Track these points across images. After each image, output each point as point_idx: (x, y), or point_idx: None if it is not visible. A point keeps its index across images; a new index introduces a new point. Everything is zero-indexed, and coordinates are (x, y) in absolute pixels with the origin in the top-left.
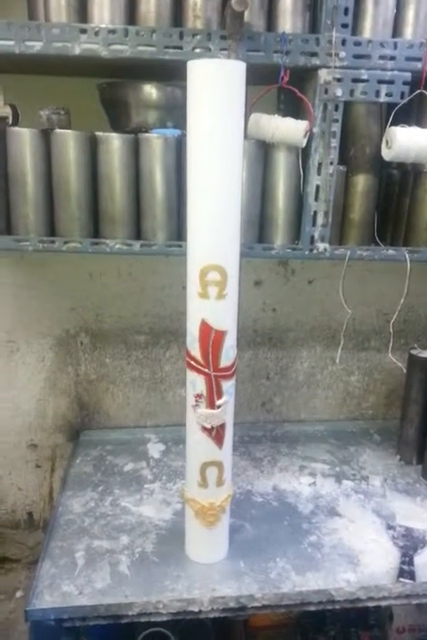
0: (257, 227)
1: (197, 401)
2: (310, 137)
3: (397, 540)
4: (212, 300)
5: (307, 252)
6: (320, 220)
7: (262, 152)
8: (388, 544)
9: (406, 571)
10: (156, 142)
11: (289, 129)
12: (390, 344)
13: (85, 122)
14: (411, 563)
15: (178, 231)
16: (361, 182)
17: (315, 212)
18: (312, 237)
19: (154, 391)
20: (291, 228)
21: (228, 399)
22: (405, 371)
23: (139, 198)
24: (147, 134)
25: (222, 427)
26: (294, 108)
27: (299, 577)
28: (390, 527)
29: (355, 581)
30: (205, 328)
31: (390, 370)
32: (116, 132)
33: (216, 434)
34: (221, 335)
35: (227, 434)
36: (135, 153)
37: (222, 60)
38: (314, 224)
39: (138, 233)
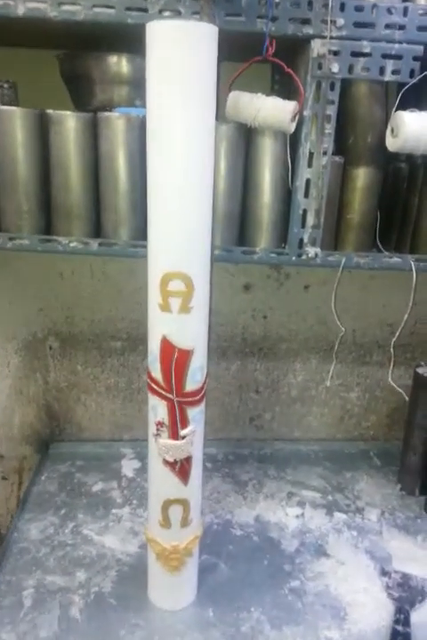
0: (237, 226)
1: (158, 430)
2: (301, 121)
3: (391, 589)
4: (174, 314)
5: (294, 258)
6: (311, 220)
7: (244, 138)
8: (381, 594)
9: (399, 633)
10: (117, 122)
11: (274, 110)
12: (391, 365)
13: (47, 102)
14: (406, 622)
15: (144, 229)
16: (361, 177)
17: (304, 211)
18: (301, 240)
19: (130, 402)
20: (277, 229)
21: (194, 428)
22: (407, 397)
23: (98, 189)
24: (107, 113)
25: (188, 460)
26: (290, 90)
27: (274, 631)
28: (384, 573)
29: None
30: (166, 346)
31: (393, 387)
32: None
33: (181, 468)
34: (185, 355)
35: (194, 468)
36: (94, 135)
37: (188, 22)
38: (303, 225)
39: (98, 229)
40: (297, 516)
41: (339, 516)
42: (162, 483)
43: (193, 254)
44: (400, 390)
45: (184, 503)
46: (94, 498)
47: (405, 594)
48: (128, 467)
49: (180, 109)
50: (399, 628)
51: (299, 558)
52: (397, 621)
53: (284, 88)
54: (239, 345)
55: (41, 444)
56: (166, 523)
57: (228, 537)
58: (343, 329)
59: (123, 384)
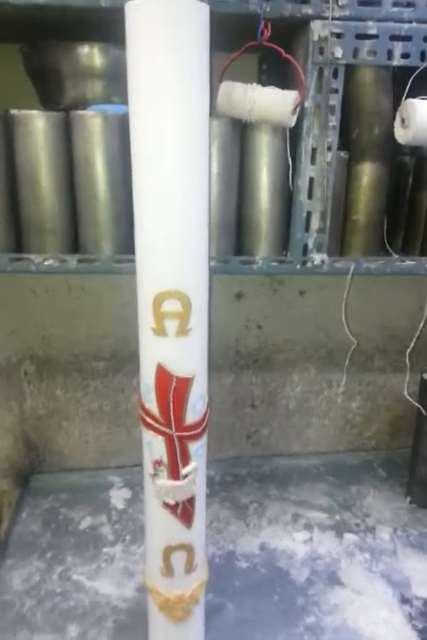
0: (233, 233)
1: (155, 469)
2: (301, 114)
3: (415, 620)
4: (170, 339)
5: (299, 266)
6: (316, 223)
7: (238, 134)
8: (404, 627)
9: None
10: (93, 122)
11: (272, 102)
12: (407, 378)
13: (11, 102)
14: None
15: (129, 241)
16: (367, 173)
17: (308, 214)
18: (305, 246)
19: (117, 426)
20: (277, 235)
21: (197, 465)
22: (423, 410)
23: (75, 199)
24: (80, 112)
25: (191, 501)
26: (281, 81)
27: None
28: (404, 600)
29: None
30: (163, 375)
31: (396, 394)
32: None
33: (183, 511)
34: (185, 384)
35: (198, 509)
36: (66, 137)
37: (174, 0)
38: (307, 229)
39: (75, 244)
40: (305, 541)
41: (349, 537)
42: (162, 528)
43: (189, 269)
44: (418, 405)
45: (188, 548)
46: (83, 536)
47: None
48: (118, 497)
49: (169, 103)
50: None
51: (312, 589)
52: None
53: (273, 80)
54: (233, 357)
55: (20, 478)
56: (169, 571)
57: (232, 571)
58: (355, 341)
59: (108, 407)
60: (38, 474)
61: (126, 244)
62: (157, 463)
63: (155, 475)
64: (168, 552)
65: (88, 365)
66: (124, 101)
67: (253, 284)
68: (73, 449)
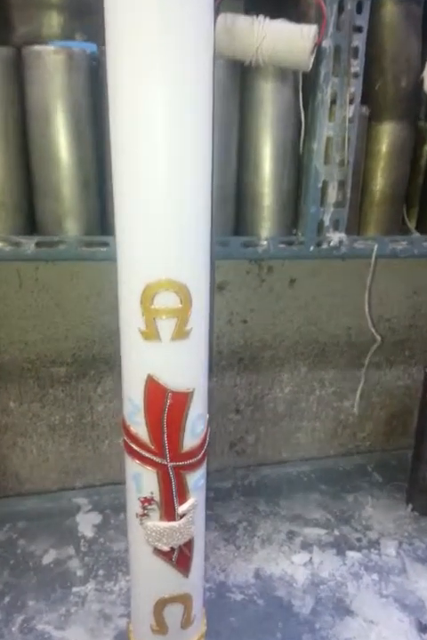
0: (232, 208)
1: (144, 508)
2: (318, 57)
3: None
4: (165, 343)
5: (312, 248)
6: (333, 195)
7: (237, 82)
8: None
9: None
10: (54, 60)
11: (287, 38)
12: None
13: None
14: None
15: (101, 218)
16: (390, 135)
17: (325, 183)
18: (321, 224)
19: (83, 440)
20: (285, 210)
21: (197, 501)
22: None
23: (29, 162)
24: (38, 47)
25: (189, 544)
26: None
27: None
28: (422, 627)
29: None
30: (154, 391)
31: (391, 390)
32: None
33: (180, 557)
34: (182, 400)
35: (196, 551)
36: (18, 81)
37: None
38: (323, 202)
39: (32, 222)
40: (305, 564)
41: (353, 555)
42: (154, 579)
43: (189, 253)
44: None
45: (185, 599)
46: (47, 573)
47: None
48: (86, 523)
49: (162, 44)
50: None
51: (319, 622)
52: None
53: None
54: (215, 357)
55: None
56: (161, 627)
57: (226, 606)
58: (379, 338)
59: (71, 419)
60: None
61: (97, 223)
62: (147, 501)
63: (144, 515)
64: (161, 606)
65: (46, 372)
66: (91, 40)
67: (237, 273)
68: (30, 469)
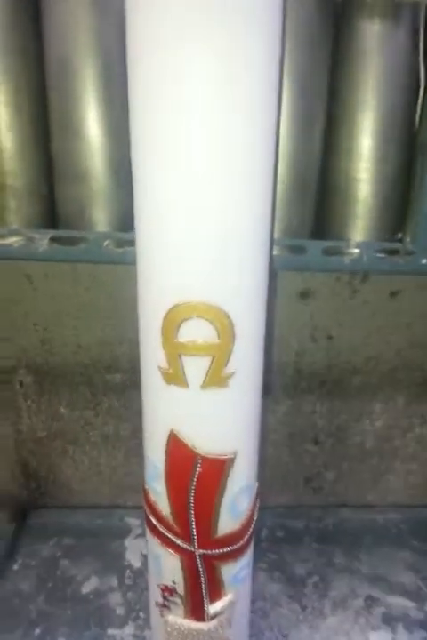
0: (311, 202)
1: (166, 599)
2: None
3: None
4: (194, 391)
5: (425, 261)
6: None
7: (329, 24)
8: None
9: None
10: None
11: None
12: None
13: None
14: None
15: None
16: None
17: None
18: None
19: (137, 456)
20: (387, 205)
21: (236, 598)
22: None
23: (48, 135)
24: None
25: None
26: None
27: None
28: None
29: None
30: (178, 451)
31: None
32: None
33: None
34: (218, 469)
35: None
36: (32, 26)
37: None
38: None
39: (52, 212)
40: None
41: None
42: None
43: (235, 265)
44: None
45: None
46: (84, 605)
47: None
48: (134, 550)
49: None
50: None
51: None
52: None
53: None
54: (291, 377)
55: (16, 512)
56: None
57: None
58: None
59: (126, 431)
60: (40, 508)
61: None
62: (168, 591)
63: (164, 606)
64: None
65: (100, 378)
66: None
67: (324, 279)
68: (82, 481)
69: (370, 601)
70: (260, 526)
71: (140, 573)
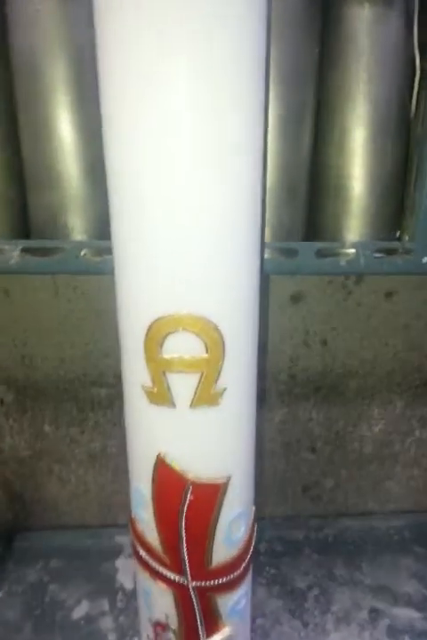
0: (302, 200)
1: (158, 634)
2: None
3: None
4: (182, 411)
5: (426, 260)
6: None
7: (317, 8)
8: None
9: None
10: None
11: None
12: None
13: None
14: None
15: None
16: None
17: None
18: None
19: (125, 472)
20: (384, 201)
21: (235, 632)
22: None
23: (17, 138)
24: None
25: None
26: None
27: None
28: None
29: None
30: (167, 477)
31: None
32: None
33: None
34: (211, 494)
35: None
36: None
37: None
38: None
39: (24, 221)
40: None
41: None
42: None
43: (223, 274)
44: None
45: None
46: (74, 632)
47: None
48: (125, 570)
49: None
50: None
51: None
52: None
53: None
54: (286, 384)
55: (0, 535)
56: None
57: None
58: None
59: (114, 448)
60: (25, 531)
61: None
62: (160, 626)
63: None
64: None
65: (85, 394)
66: None
67: (317, 282)
68: (69, 500)
69: (374, 614)
70: (257, 539)
71: (133, 595)
